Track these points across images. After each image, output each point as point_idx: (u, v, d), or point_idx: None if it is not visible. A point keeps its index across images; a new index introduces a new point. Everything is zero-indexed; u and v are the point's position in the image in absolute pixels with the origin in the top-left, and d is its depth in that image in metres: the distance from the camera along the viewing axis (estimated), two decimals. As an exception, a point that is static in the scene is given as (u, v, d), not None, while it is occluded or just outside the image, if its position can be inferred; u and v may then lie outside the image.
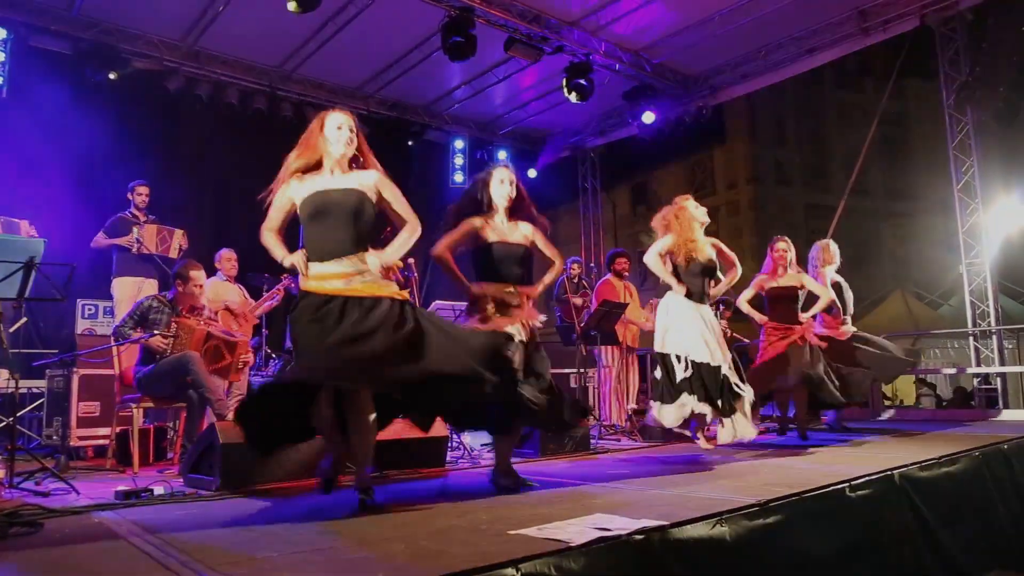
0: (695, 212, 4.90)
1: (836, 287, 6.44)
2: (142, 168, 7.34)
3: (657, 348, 4.91)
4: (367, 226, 3.24)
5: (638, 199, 22.03)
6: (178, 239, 6.61)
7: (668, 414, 4.82)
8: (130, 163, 7.67)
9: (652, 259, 4.88)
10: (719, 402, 4.73)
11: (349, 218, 3.18)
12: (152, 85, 8.50)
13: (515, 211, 3.95)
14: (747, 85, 9.98)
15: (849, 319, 6.49)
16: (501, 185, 3.89)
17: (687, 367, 4.73)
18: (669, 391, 4.79)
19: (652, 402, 4.96)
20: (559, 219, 15.30)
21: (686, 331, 4.79)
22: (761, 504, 2.86)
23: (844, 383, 5.96)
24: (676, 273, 4.87)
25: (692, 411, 4.76)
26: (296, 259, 3.16)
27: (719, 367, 4.75)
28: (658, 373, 4.90)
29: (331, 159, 3.27)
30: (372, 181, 3.30)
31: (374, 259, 3.17)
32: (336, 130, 3.27)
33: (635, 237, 19.16)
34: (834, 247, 6.59)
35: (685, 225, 4.85)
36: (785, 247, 6.00)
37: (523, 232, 3.94)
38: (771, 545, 2.80)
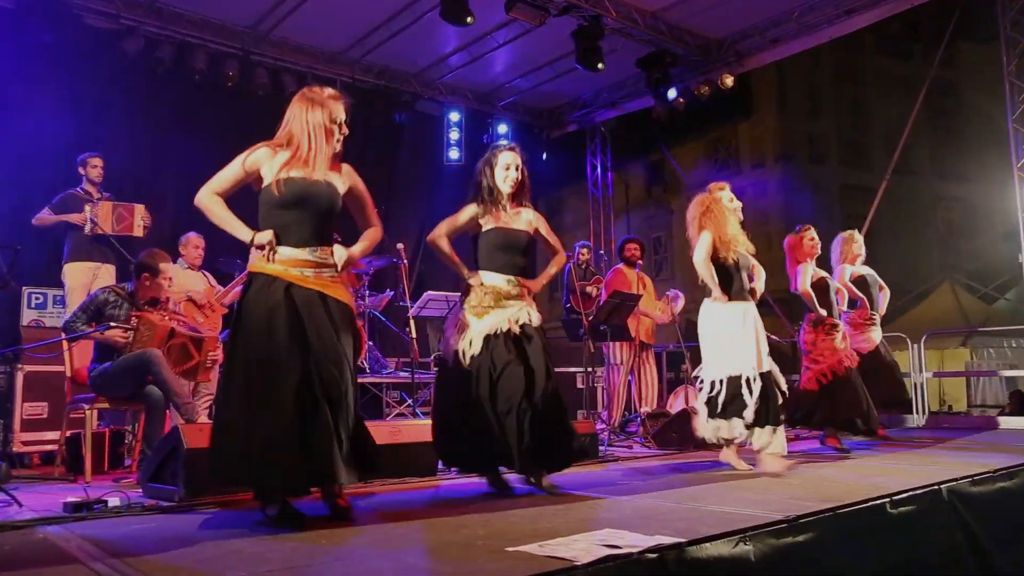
0: (730, 205, 4.92)
1: (861, 281, 6.42)
2: (95, 140, 7.31)
3: (713, 375, 4.86)
4: (334, 221, 3.44)
5: (653, 179, 21.95)
6: (140, 216, 6.54)
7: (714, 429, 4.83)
8: (82, 134, 7.63)
9: (702, 261, 4.84)
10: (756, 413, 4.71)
11: (325, 212, 3.36)
12: (107, 46, 8.44)
13: (518, 196, 4.15)
14: (777, 51, 9.91)
15: (878, 318, 6.48)
16: (506, 170, 4.10)
17: (734, 387, 4.73)
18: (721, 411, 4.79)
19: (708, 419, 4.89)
20: (565, 200, 15.32)
21: (733, 347, 4.79)
22: (790, 520, 2.86)
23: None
24: (723, 275, 4.86)
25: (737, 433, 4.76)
26: (267, 238, 3.24)
27: (744, 375, 4.74)
28: (708, 390, 4.86)
29: (319, 148, 3.34)
30: (346, 174, 3.49)
31: (342, 252, 3.38)
32: (334, 124, 3.38)
33: (649, 221, 19.15)
34: (859, 238, 6.59)
35: (722, 218, 4.87)
36: (815, 236, 6.03)
37: (526, 219, 4.17)
38: (801, 567, 2.79)
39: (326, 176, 3.37)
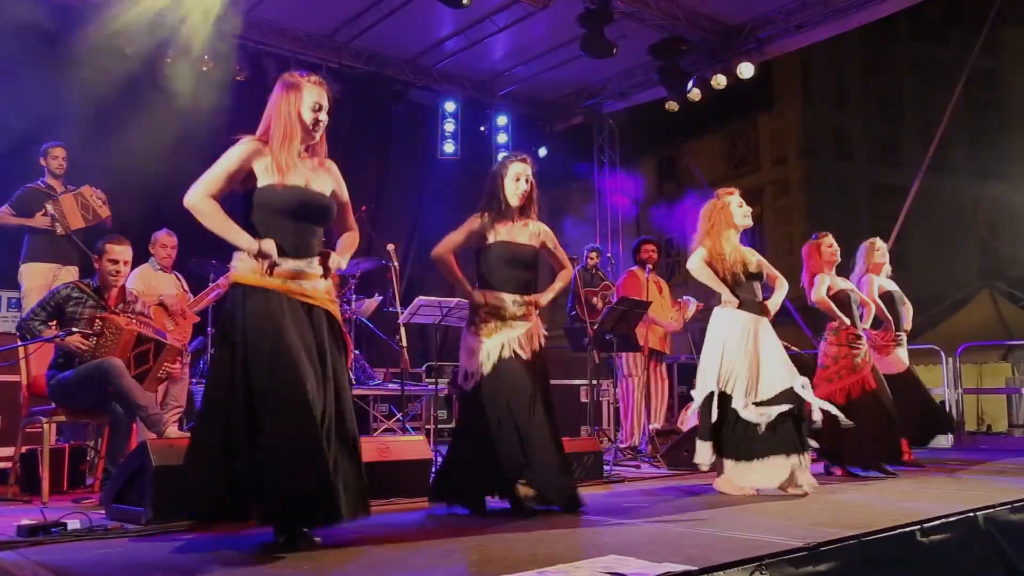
0: (735, 212, 4.98)
1: (887, 298, 6.39)
2: (56, 128, 7.28)
3: (707, 388, 4.94)
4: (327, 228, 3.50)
5: (665, 176, 22.03)
6: (92, 198, 6.48)
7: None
8: (41, 122, 7.60)
9: (697, 266, 4.99)
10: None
11: (323, 220, 3.41)
12: (68, 25, 8.42)
13: (525, 209, 4.30)
14: (802, 38, 9.91)
15: (904, 337, 6.45)
16: (517, 182, 4.24)
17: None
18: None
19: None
20: (569, 199, 15.30)
21: (739, 363, 4.88)
22: (810, 548, 2.86)
23: None
24: (729, 282, 4.94)
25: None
26: (270, 247, 3.18)
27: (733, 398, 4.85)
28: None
29: (299, 143, 3.37)
30: (334, 173, 3.52)
31: (337, 260, 3.40)
32: (311, 112, 3.38)
33: (661, 221, 19.12)
34: (881, 245, 6.56)
35: (719, 232, 4.99)
36: (833, 243, 6.00)
37: (532, 232, 4.32)
38: (822, 598, 2.80)
39: (315, 175, 3.39)
